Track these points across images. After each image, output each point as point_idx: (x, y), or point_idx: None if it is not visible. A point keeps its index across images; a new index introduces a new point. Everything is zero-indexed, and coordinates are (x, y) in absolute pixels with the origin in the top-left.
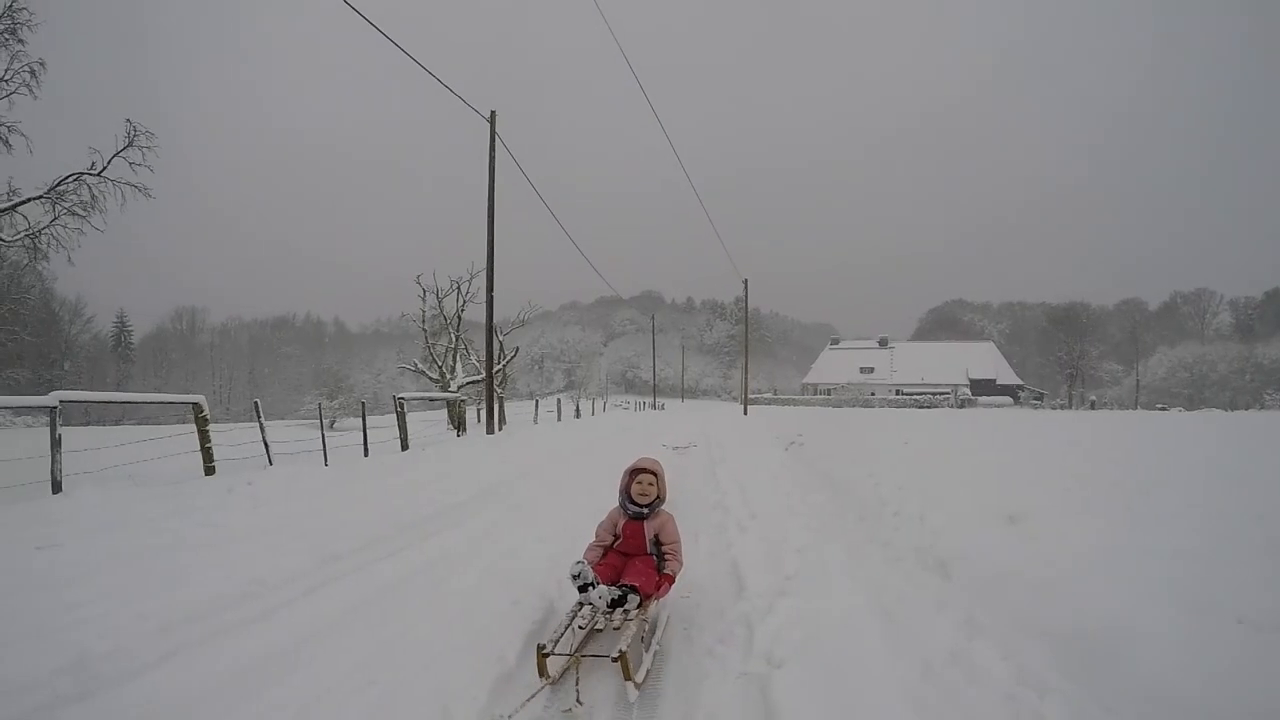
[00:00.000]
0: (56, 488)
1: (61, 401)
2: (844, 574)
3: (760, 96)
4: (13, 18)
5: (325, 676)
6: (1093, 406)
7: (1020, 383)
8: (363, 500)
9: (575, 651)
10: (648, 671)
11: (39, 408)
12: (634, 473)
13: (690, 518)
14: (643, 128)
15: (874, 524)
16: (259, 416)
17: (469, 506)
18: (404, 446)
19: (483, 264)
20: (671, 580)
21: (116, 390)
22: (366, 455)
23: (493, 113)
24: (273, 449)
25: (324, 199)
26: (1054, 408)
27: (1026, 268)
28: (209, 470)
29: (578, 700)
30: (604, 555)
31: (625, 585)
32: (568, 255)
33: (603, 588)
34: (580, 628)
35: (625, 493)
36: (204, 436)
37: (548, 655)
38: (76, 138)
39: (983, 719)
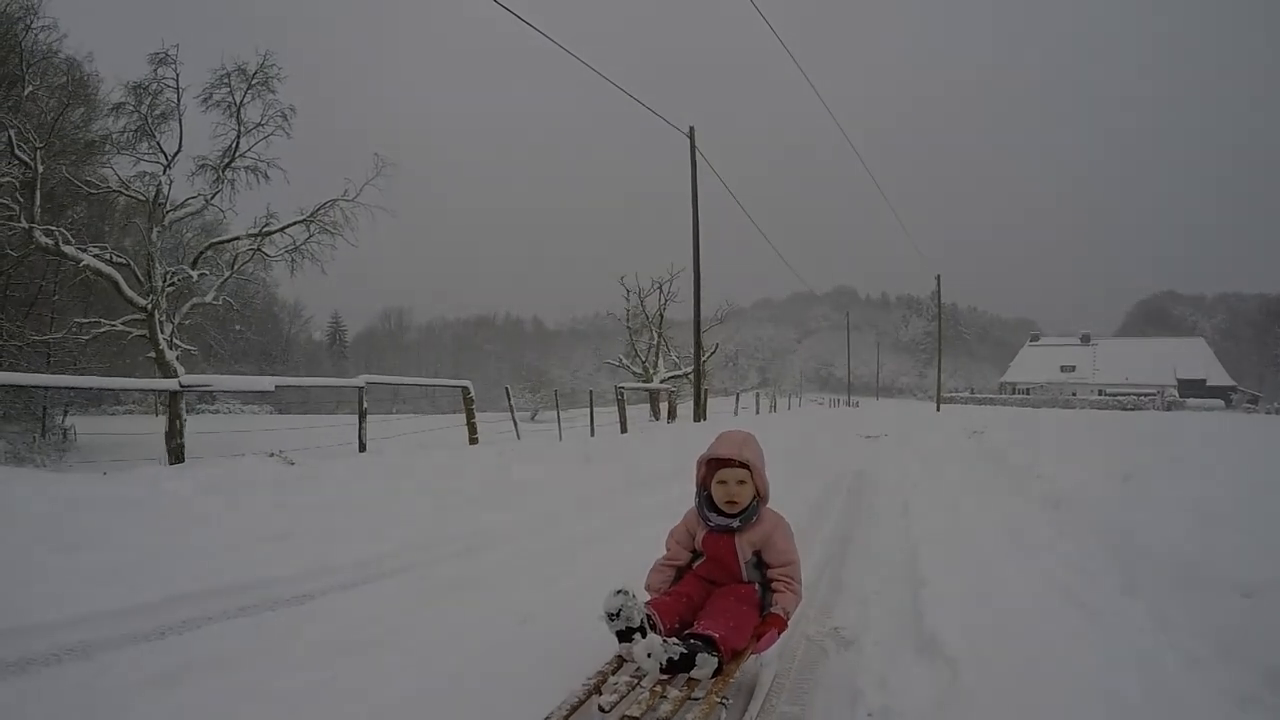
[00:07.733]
0: (362, 448)
1: (368, 382)
2: (984, 508)
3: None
4: (265, 72)
5: (609, 554)
6: None
7: (1233, 384)
8: (602, 465)
9: None
10: None
11: (344, 387)
12: (714, 464)
13: (876, 481)
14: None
15: (1019, 484)
16: (509, 400)
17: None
18: (623, 429)
19: (680, 264)
20: (782, 625)
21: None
22: (593, 435)
23: (691, 128)
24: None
25: (519, 204)
26: (1269, 412)
27: (1246, 254)
28: (472, 440)
29: None
30: (676, 580)
31: (696, 637)
32: (759, 251)
33: (654, 638)
34: (603, 709)
35: (703, 489)
36: (470, 414)
37: None
38: (318, 166)
39: (1045, 563)
